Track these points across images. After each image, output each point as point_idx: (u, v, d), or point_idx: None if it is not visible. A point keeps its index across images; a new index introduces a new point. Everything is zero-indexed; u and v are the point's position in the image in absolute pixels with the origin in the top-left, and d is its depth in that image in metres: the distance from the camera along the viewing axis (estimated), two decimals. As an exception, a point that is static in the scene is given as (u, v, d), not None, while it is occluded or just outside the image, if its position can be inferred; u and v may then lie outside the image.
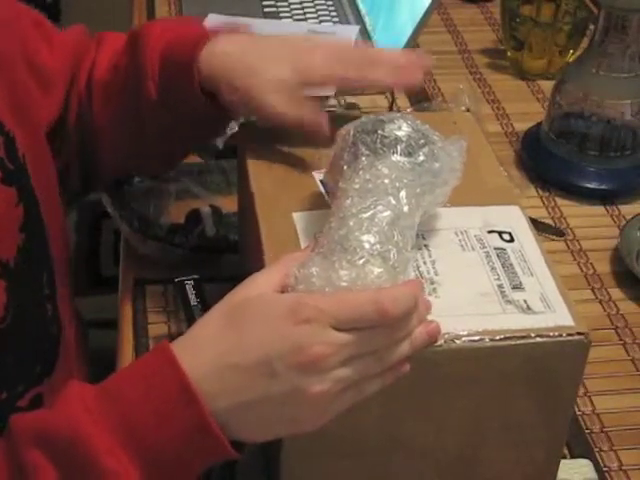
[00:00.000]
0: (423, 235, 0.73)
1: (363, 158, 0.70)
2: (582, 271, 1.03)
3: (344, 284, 0.62)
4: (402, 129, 0.71)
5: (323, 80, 0.83)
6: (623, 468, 0.83)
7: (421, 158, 0.70)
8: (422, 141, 0.71)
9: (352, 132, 0.72)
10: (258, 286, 0.64)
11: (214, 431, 0.61)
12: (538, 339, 0.67)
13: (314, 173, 0.80)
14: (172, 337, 0.91)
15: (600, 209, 1.12)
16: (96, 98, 0.92)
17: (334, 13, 1.46)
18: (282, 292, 0.64)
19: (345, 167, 0.71)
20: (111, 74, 0.91)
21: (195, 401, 0.61)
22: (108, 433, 0.61)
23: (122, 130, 0.91)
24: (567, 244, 1.07)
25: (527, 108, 1.28)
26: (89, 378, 0.97)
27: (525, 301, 0.69)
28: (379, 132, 0.71)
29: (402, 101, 1.28)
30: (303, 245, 0.72)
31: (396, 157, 0.70)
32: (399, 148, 0.70)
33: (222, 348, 0.62)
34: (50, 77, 0.91)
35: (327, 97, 0.88)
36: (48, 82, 0.91)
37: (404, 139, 0.71)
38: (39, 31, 0.92)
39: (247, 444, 0.65)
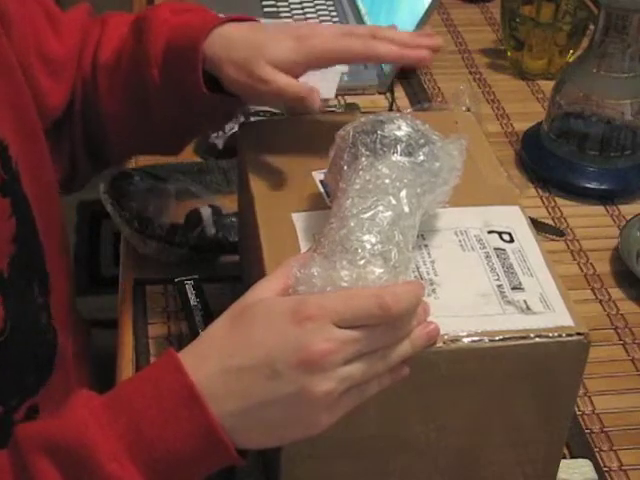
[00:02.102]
0: (423, 235, 0.73)
1: (363, 159, 0.70)
2: (582, 271, 1.03)
3: (345, 284, 0.62)
4: (402, 129, 0.71)
5: (326, 54, 0.82)
6: (623, 468, 0.83)
7: (421, 158, 0.70)
8: (422, 141, 0.71)
9: (352, 133, 0.72)
10: (261, 292, 0.64)
11: (220, 435, 0.61)
12: (538, 339, 0.67)
13: (313, 173, 0.80)
14: (172, 337, 0.92)
15: (600, 209, 1.12)
16: (101, 81, 0.91)
17: (334, 13, 1.46)
18: (284, 296, 0.64)
19: (345, 168, 0.71)
20: (116, 58, 0.91)
21: (201, 406, 0.61)
22: (114, 440, 0.61)
23: (129, 114, 0.91)
24: (567, 244, 1.07)
25: (527, 108, 1.28)
26: (90, 380, 0.97)
27: (525, 301, 0.69)
28: (379, 132, 0.71)
29: (402, 101, 1.29)
30: (302, 245, 0.72)
31: (396, 157, 0.70)
32: (399, 148, 0.70)
33: (226, 352, 0.63)
34: (59, 64, 0.91)
35: (327, 99, 0.88)
36: (57, 70, 0.91)
37: (404, 139, 0.71)
38: (48, 18, 0.91)
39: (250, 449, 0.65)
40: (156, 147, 0.96)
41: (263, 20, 1.41)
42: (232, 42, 0.83)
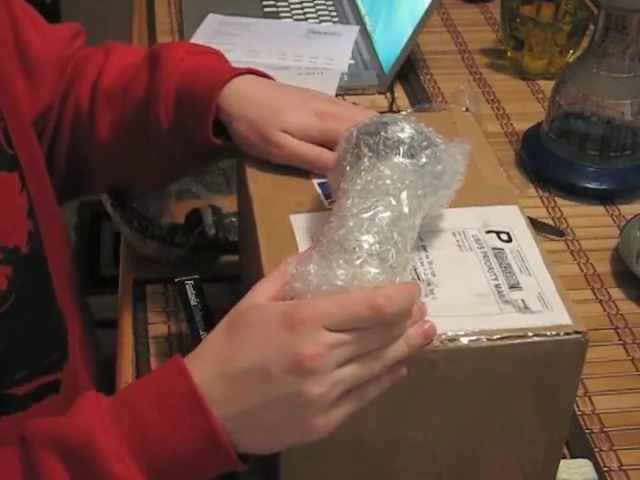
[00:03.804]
0: (421, 236, 0.73)
1: (365, 159, 0.70)
2: (582, 271, 1.03)
3: (340, 283, 0.62)
4: (405, 131, 0.71)
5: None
6: (623, 468, 0.82)
7: (423, 160, 0.70)
8: (425, 143, 0.71)
9: (355, 133, 0.72)
10: (258, 295, 0.65)
11: (221, 439, 0.62)
12: (536, 338, 0.67)
13: (312, 175, 0.81)
14: (172, 337, 0.92)
15: (600, 209, 1.12)
16: (100, 110, 0.90)
17: (334, 13, 1.47)
18: (281, 298, 0.64)
19: (347, 168, 0.71)
20: (121, 88, 0.89)
21: (204, 409, 0.62)
22: (118, 440, 0.62)
23: (125, 147, 0.90)
24: (567, 244, 1.07)
25: (527, 108, 1.28)
26: (95, 374, 0.97)
27: (522, 300, 0.69)
28: (382, 134, 0.71)
29: (402, 101, 1.29)
30: (300, 246, 0.72)
31: (398, 159, 0.70)
32: (401, 150, 0.70)
33: (223, 357, 0.63)
34: (39, 68, 0.90)
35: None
36: (35, 73, 0.89)
37: (407, 141, 0.71)
38: (30, 19, 0.90)
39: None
40: (142, 182, 0.95)
41: (264, 20, 1.42)
42: (248, 98, 0.83)
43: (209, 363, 0.64)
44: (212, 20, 1.42)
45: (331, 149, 0.79)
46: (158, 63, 0.87)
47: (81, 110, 0.91)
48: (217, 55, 0.91)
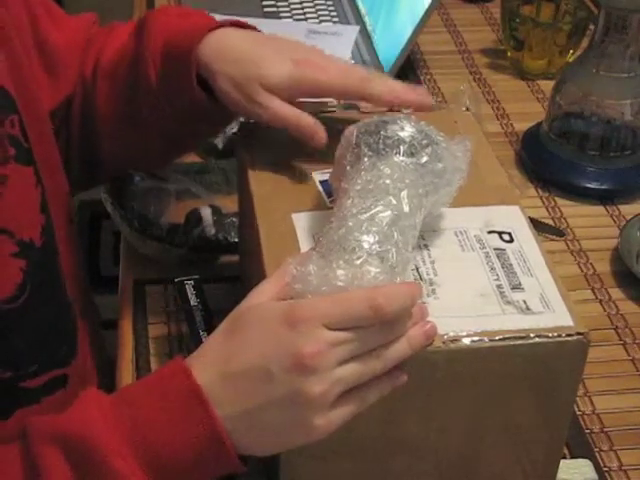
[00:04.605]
0: (422, 236, 0.73)
1: (365, 159, 0.70)
2: (582, 271, 1.03)
3: (340, 284, 0.62)
4: (405, 130, 0.71)
5: (321, 85, 0.81)
6: (623, 468, 0.83)
7: (424, 159, 0.70)
8: (425, 142, 0.71)
9: (355, 133, 0.72)
10: (258, 296, 0.65)
11: (223, 439, 0.62)
12: (537, 339, 0.67)
13: (313, 173, 0.80)
14: (172, 337, 0.92)
15: (600, 209, 1.12)
16: (100, 85, 0.90)
17: (334, 13, 1.46)
18: (282, 299, 0.64)
19: (348, 168, 0.71)
20: (116, 62, 0.90)
21: (206, 408, 0.62)
22: (119, 437, 0.62)
23: (122, 119, 0.90)
24: (567, 244, 1.07)
25: (527, 108, 1.28)
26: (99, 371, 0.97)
27: (524, 301, 0.69)
28: (382, 133, 0.71)
29: (402, 101, 1.28)
30: (302, 246, 0.72)
31: (398, 158, 0.70)
32: (402, 149, 0.70)
33: (223, 358, 0.63)
34: (58, 60, 0.90)
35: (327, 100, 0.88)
36: (55, 65, 0.90)
37: (407, 140, 0.71)
38: (48, 12, 0.90)
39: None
40: (145, 158, 0.95)
41: (264, 20, 1.42)
42: (227, 51, 0.82)
43: (210, 363, 0.64)
44: (212, 20, 1.42)
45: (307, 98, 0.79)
46: (144, 28, 0.87)
47: (87, 91, 0.92)
48: (203, 14, 0.91)
